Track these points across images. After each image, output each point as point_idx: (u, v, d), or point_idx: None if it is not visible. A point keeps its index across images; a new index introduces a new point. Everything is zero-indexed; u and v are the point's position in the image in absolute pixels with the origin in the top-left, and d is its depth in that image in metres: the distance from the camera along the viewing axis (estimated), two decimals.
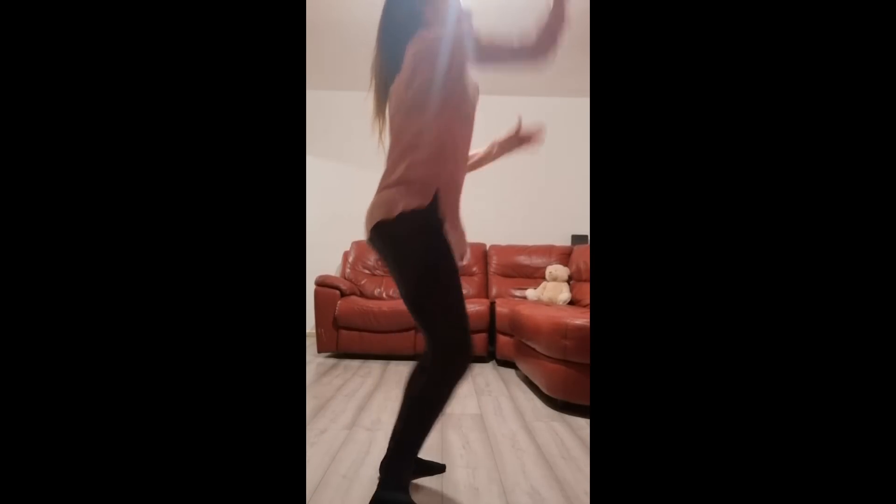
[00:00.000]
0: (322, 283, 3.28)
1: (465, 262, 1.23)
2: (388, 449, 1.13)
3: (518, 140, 1.35)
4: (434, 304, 1.09)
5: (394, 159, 1.14)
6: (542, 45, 1.17)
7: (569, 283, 3.46)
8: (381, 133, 1.21)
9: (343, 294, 3.32)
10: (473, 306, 3.15)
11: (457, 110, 1.13)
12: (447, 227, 1.10)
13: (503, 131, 1.32)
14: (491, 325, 3.23)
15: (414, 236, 1.08)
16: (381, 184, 1.15)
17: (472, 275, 3.83)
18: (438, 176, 1.10)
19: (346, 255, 3.90)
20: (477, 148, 1.41)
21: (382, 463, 1.30)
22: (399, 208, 1.08)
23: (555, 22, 1.14)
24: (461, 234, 1.17)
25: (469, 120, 1.18)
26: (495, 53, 1.21)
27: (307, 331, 4.10)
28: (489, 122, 4.18)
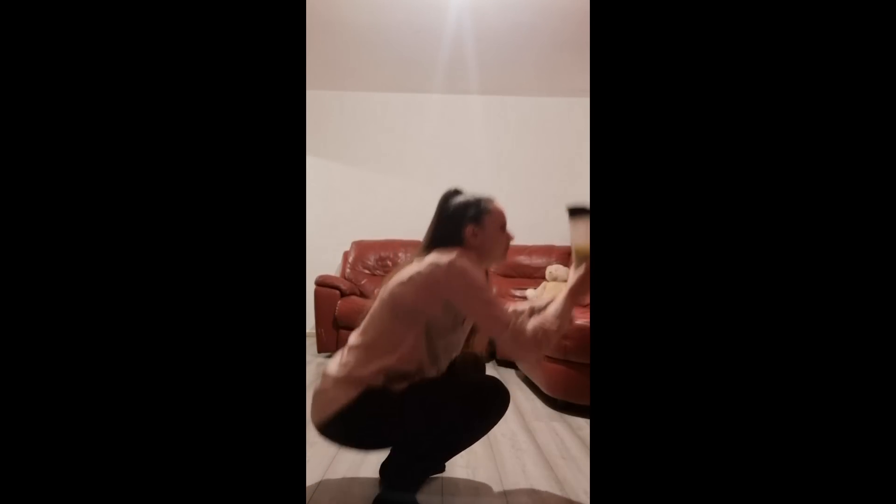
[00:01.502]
0: (322, 283, 3.28)
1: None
2: (402, 455, 1.13)
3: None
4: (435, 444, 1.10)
5: (360, 350, 1.12)
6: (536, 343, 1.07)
7: None
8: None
9: (343, 294, 3.31)
10: None
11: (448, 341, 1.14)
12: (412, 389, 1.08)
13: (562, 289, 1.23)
14: None
15: (373, 420, 1.07)
16: (338, 367, 1.12)
17: None
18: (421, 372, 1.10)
19: (346, 255, 3.90)
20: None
21: (385, 465, 1.30)
22: (333, 409, 1.06)
23: (553, 330, 1.06)
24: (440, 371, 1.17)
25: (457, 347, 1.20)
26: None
27: (307, 331, 4.10)
28: (490, 122, 4.18)
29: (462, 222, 1.16)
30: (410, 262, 1.15)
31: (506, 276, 3.81)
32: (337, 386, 1.09)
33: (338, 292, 3.28)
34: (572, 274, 1.13)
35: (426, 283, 1.07)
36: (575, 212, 1.15)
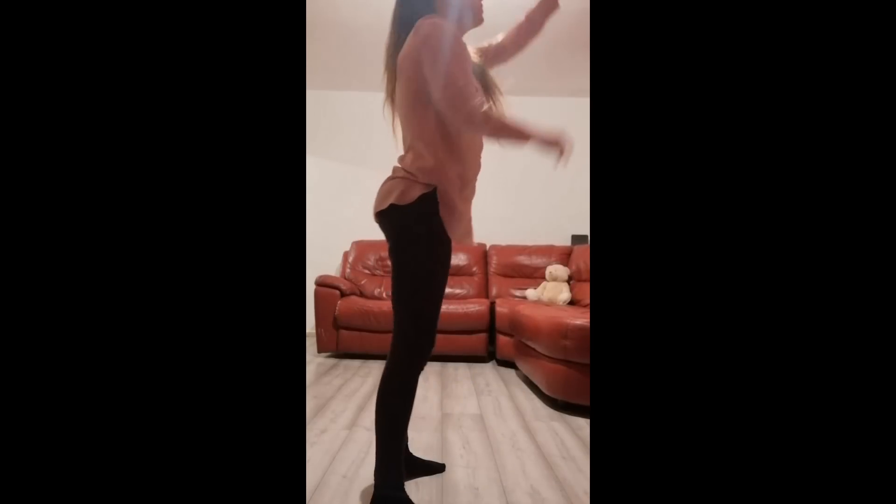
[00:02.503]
0: (322, 283, 3.28)
1: (469, 243, 1.24)
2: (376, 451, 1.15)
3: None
4: (415, 304, 1.12)
5: (404, 148, 1.15)
6: (531, 28, 1.27)
7: (569, 283, 3.46)
8: (392, 117, 1.20)
9: (343, 294, 3.31)
10: (473, 306, 3.15)
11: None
12: (450, 219, 1.10)
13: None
14: (491, 325, 3.23)
15: (408, 231, 1.10)
16: (393, 170, 1.16)
17: (472, 275, 3.83)
18: (442, 171, 1.09)
19: (346, 255, 3.90)
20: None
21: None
22: (393, 199, 1.10)
23: (547, 6, 1.24)
24: (466, 226, 1.18)
25: None
26: (501, 53, 1.30)
27: (307, 331, 4.10)
28: None
29: None
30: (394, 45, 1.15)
31: (506, 276, 3.81)
32: (404, 181, 1.11)
33: (338, 292, 3.28)
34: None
35: (409, 51, 1.05)
36: None
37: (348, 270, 3.79)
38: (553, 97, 4.25)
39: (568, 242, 4.17)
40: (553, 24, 3.04)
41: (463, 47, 1.06)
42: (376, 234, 4.09)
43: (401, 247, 1.12)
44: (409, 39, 1.06)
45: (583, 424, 1.89)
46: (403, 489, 1.13)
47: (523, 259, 3.78)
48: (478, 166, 1.19)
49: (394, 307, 1.14)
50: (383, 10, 2.94)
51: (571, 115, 4.25)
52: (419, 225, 1.10)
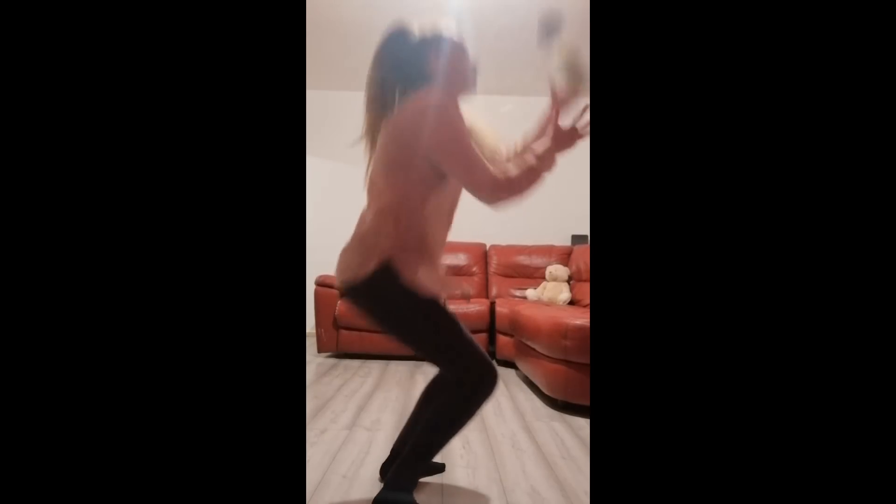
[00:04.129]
0: (322, 283, 3.28)
1: (466, 298, 1.23)
2: (405, 453, 1.13)
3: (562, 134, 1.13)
4: (440, 350, 1.10)
5: (368, 214, 1.12)
6: (518, 184, 1.07)
7: (569, 283, 3.46)
8: (366, 175, 1.17)
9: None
10: (473, 306, 3.15)
11: (442, 188, 1.09)
12: (421, 278, 1.08)
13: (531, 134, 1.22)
14: (491, 325, 3.23)
15: (385, 295, 1.07)
16: (352, 236, 1.13)
17: (472, 275, 3.82)
18: (404, 238, 1.07)
19: (338, 264, 3.89)
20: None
21: (386, 465, 1.30)
22: (348, 276, 1.08)
23: (541, 167, 1.09)
24: (440, 279, 1.14)
25: (454, 202, 1.16)
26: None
27: (307, 331, 4.10)
28: (489, 122, 4.17)
29: (423, 55, 1.08)
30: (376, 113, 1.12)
31: (506, 276, 3.81)
32: (357, 254, 1.09)
33: (338, 292, 3.27)
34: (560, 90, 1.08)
35: (405, 132, 1.02)
36: (548, 25, 1.05)
37: None
38: None
39: (568, 242, 4.17)
40: None
41: (464, 124, 1.03)
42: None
43: (384, 319, 1.10)
44: (409, 108, 1.03)
45: (583, 424, 1.89)
46: (412, 492, 1.14)
47: (523, 259, 3.78)
48: (443, 242, 1.17)
49: (428, 355, 1.12)
50: (383, 11, 2.94)
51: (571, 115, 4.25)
52: (385, 296, 1.07)
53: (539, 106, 4.24)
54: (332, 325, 3.21)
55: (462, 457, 1.53)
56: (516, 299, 3.46)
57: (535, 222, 4.21)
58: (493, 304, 3.31)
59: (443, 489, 1.30)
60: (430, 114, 1.00)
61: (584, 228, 4.20)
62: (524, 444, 1.66)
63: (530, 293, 3.45)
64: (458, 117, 1.01)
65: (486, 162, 1.02)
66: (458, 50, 1.11)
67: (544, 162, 1.05)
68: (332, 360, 3.15)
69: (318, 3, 2.88)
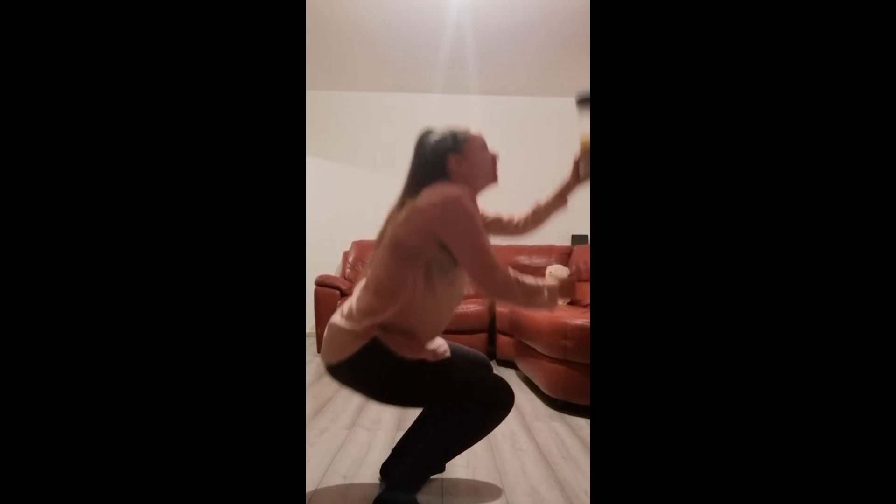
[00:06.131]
0: (322, 283, 3.28)
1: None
2: (418, 456, 1.13)
3: (561, 198, 1.34)
4: (439, 400, 1.11)
5: (365, 291, 1.13)
6: (532, 224, 1.37)
7: None
8: (372, 257, 1.18)
9: (343, 294, 3.31)
10: (473, 306, 3.15)
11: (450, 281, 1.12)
12: (406, 343, 1.08)
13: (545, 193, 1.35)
14: (491, 325, 3.23)
15: (373, 373, 1.07)
16: (345, 309, 1.14)
17: None
18: (396, 322, 1.09)
19: (346, 255, 3.90)
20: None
21: (386, 465, 1.30)
22: (350, 350, 1.07)
23: (555, 206, 1.33)
24: (433, 350, 1.14)
25: (460, 293, 1.18)
26: (499, 228, 1.37)
27: (307, 331, 4.10)
28: (489, 122, 4.18)
29: (444, 155, 1.14)
30: (402, 205, 1.14)
31: None
32: (343, 333, 1.09)
33: (338, 292, 3.28)
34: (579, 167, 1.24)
35: (422, 219, 1.05)
36: (583, 101, 1.17)
37: (348, 270, 3.79)
38: (553, 97, 4.25)
39: (568, 242, 4.17)
40: (553, 24, 3.04)
41: (479, 218, 1.07)
42: (376, 234, 4.09)
43: (379, 395, 1.10)
44: (427, 196, 1.06)
45: (583, 424, 1.89)
46: (416, 497, 1.14)
47: (523, 259, 3.78)
48: (449, 318, 1.18)
49: (444, 410, 1.13)
50: (383, 10, 2.94)
51: (571, 116, 4.25)
52: (373, 374, 1.07)
53: (539, 106, 4.24)
54: None
55: (462, 457, 1.53)
56: None
57: None
58: (493, 304, 3.31)
59: (443, 489, 1.30)
60: (447, 204, 1.03)
61: (584, 228, 4.20)
62: (524, 444, 1.66)
63: None
64: (473, 210, 1.05)
65: (496, 259, 1.06)
66: (476, 147, 1.17)
67: (547, 301, 1.09)
68: None
69: (318, 4, 2.88)
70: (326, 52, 3.51)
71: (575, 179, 1.29)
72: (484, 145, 1.19)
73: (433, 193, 1.05)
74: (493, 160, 1.20)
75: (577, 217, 4.22)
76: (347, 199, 4.22)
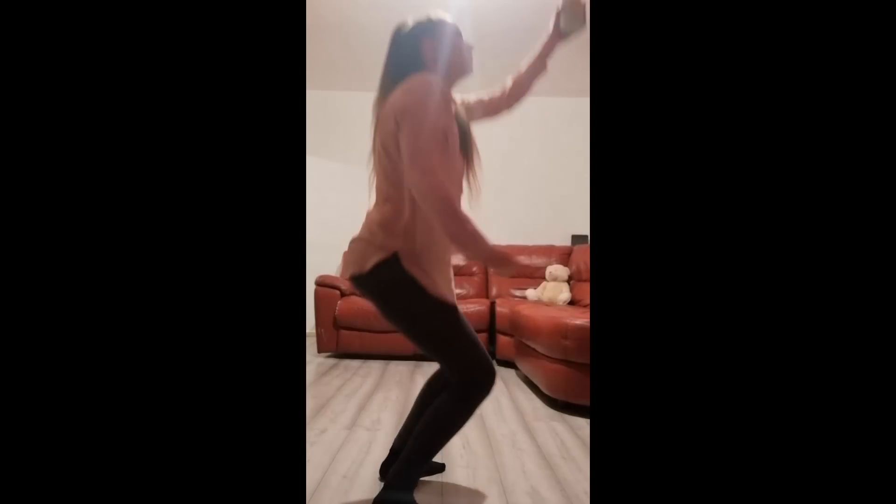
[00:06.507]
0: (322, 283, 3.28)
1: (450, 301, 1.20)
2: (405, 453, 1.13)
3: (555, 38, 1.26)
4: (443, 347, 1.10)
5: (374, 205, 1.13)
6: (516, 94, 1.31)
7: (569, 283, 3.46)
8: (371, 171, 1.17)
9: (343, 294, 3.31)
10: (473, 306, 3.15)
11: (444, 164, 1.07)
12: (421, 278, 1.07)
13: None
14: (491, 325, 3.23)
15: (390, 290, 1.07)
16: (362, 227, 1.14)
17: (472, 275, 3.83)
18: (409, 234, 1.07)
19: (346, 255, 3.90)
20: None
21: (385, 465, 1.30)
22: (353, 269, 1.08)
23: (535, 70, 1.29)
24: (443, 287, 1.13)
25: (458, 175, 1.13)
26: (485, 110, 1.32)
27: (307, 331, 4.10)
28: (490, 122, 4.18)
29: (418, 39, 1.10)
30: (380, 104, 1.11)
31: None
32: (364, 244, 1.09)
33: (338, 292, 3.28)
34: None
35: (392, 110, 1.02)
36: None
37: None
38: (553, 97, 4.25)
39: (568, 242, 4.17)
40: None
41: (444, 112, 1.03)
42: None
43: (389, 313, 1.10)
44: (396, 92, 1.03)
45: (583, 424, 1.89)
46: (412, 492, 1.14)
47: (523, 259, 3.78)
48: (447, 246, 1.15)
49: (428, 350, 1.12)
50: (384, 10, 2.94)
51: (571, 115, 4.25)
52: (390, 290, 1.08)
53: (539, 106, 4.24)
54: (332, 325, 3.21)
55: (462, 457, 1.53)
56: (516, 299, 3.46)
57: (535, 222, 4.22)
58: (493, 304, 3.31)
59: (443, 489, 1.30)
60: (411, 88, 1.00)
61: (584, 228, 4.20)
62: (524, 444, 1.66)
63: (530, 293, 3.45)
64: (438, 101, 1.00)
65: (434, 165, 0.98)
66: (451, 33, 1.13)
67: (473, 245, 1.01)
68: (332, 360, 3.15)
69: (318, 4, 2.89)
70: (326, 52, 3.51)
71: (556, 36, 1.23)
72: (459, 33, 1.15)
73: (404, 83, 1.03)
74: (469, 49, 1.16)
75: (577, 217, 4.22)
76: (347, 199, 4.22)
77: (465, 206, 1.05)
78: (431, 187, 0.97)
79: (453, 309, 1.11)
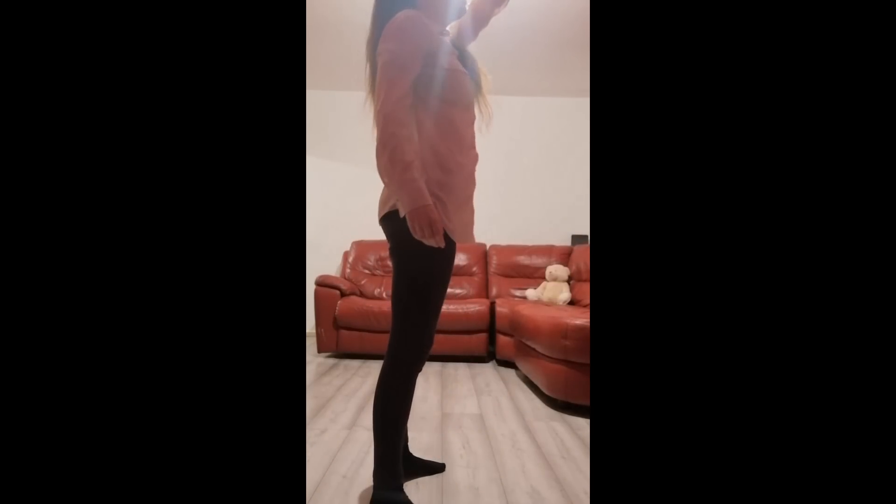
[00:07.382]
0: (322, 283, 3.28)
1: (468, 242, 1.20)
2: (374, 453, 1.15)
3: None
4: (412, 306, 1.11)
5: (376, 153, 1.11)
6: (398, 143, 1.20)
7: (569, 283, 3.46)
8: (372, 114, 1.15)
9: (343, 294, 3.31)
10: (473, 306, 3.15)
11: (438, 101, 1.07)
12: (443, 221, 1.07)
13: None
14: (491, 325, 3.23)
15: (402, 237, 1.08)
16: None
17: (472, 275, 3.83)
18: (414, 179, 1.03)
19: (346, 255, 3.90)
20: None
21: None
22: (388, 207, 1.11)
23: None
24: (463, 227, 1.14)
25: (449, 121, 1.11)
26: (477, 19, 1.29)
27: (307, 331, 4.11)
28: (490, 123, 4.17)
29: None
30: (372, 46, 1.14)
31: (506, 276, 3.81)
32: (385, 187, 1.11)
33: (338, 292, 3.28)
34: None
35: (379, 45, 1.04)
36: None
37: (348, 270, 3.79)
38: (553, 97, 4.25)
39: (568, 242, 4.17)
40: (553, 24, 3.04)
41: (422, 45, 1.02)
42: (376, 234, 4.09)
43: (397, 251, 1.12)
44: (383, 32, 1.04)
45: (583, 424, 1.89)
46: (402, 489, 1.13)
47: (523, 259, 3.78)
48: (464, 179, 1.13)
49: (392, 309, 1.14)
50: None
51: (571, 115, 4.25)
52: (394, 240, 1.11)
53: (539, 106, 4.24)
54: (332, 325, 3.21)
55: (462, 457, 1.53)
56: (516, 299, 3.46)
57: (535, 222, 4.21)
58: (493, 304, 3.31)
59: (443, 489, 1.30)
60: (393, 21, 1.01)
61: (584, 228, 4.20)
62: (524, 444, 1.66)
63: (530, 293, 3.45)
64: (416, 35, 1.01)
65: (394, 96, 0.99)
66: None
67: (401, 192, 1.01)
68: (332, 360, 3.15)
69: (318, 4, 2.89)
70: (326, 52, 3.51)
71: None
72: None
73: (390, 21, 1.03)
74: None
75: (577, 217, 4.22)
76: (347, 199, 4.22)
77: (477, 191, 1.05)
78: (384, 115, 0.98)
79: (436, 286, 1.11)
